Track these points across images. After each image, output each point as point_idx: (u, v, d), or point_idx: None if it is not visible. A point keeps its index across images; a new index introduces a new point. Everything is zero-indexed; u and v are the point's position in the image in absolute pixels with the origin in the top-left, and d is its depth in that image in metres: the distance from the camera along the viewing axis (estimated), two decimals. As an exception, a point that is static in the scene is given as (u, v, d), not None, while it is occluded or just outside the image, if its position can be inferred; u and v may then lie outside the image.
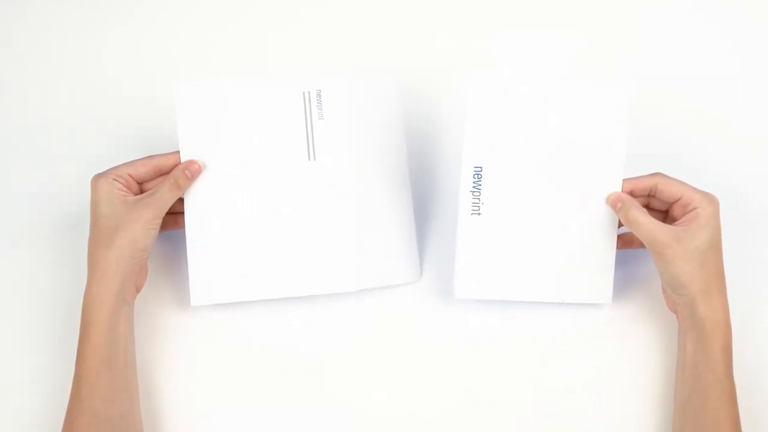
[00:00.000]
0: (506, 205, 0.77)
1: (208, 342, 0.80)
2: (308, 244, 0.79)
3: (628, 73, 0.92)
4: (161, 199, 0.75)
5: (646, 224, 0.74)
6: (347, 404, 0.79)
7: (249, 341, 0.80)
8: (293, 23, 0.94)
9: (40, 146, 0.89)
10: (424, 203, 0.86)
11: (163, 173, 0.78)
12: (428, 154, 0.88)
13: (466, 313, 0.81)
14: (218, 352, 0.80)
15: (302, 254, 0.79)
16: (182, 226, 0.79)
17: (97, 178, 0.76)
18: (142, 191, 0.78)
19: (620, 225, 0.77)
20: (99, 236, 0.74)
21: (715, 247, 0.74)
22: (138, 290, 0.78)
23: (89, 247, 0.75)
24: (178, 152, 0.78)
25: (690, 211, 0.74)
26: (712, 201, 0.74)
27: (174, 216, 0.80)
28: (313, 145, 0.79)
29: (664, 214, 0.78)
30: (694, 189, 0.75)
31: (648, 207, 0.78)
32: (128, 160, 0.78)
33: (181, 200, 0.78)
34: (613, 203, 0.77)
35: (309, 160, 0.79)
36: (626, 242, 0.80)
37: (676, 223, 0.75)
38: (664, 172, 0.77)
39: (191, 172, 0.77)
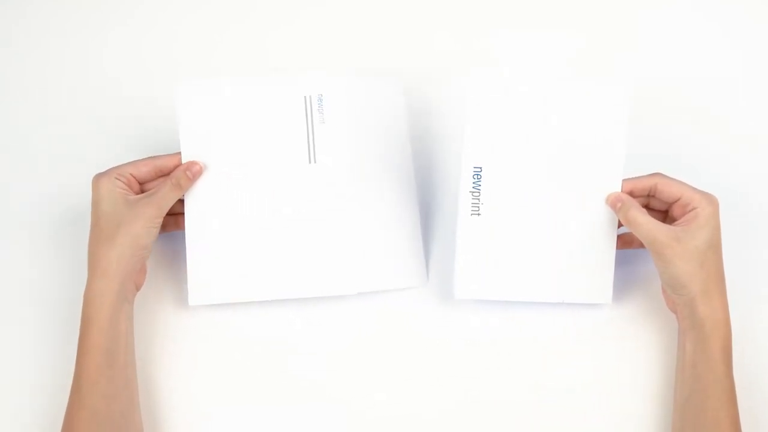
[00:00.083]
0: (506, 206, 0.77)
1: (208, 341, 0.80)
2: (307, 246, 0.79)
3: (628, 73, 0.92)
4: (163, 199, 0.76)
5: (646, 224, 0.74)
6: (347, 404, 0.79)
7: (249, 341, 0.80)
8: (293, 23, 0.94)
9: (40, 146, 0.89)
10: (423, 203, 0.86)
11: (164, 174, 0.78)
12: (428, 154, 0.88)
13: (466, 313, 0.81)
14: (218, 351, 0.80)
15: (301, 256, 0.79)
16: (182, 227, 0.79)
17: (99, 177, 0.76)
18: (142, 191, 0.78)
19: (620, 225, 0.77)
20: (100, 234, 0.74)
21: (714, 247, 0.74)
22: (138, 288, 0.78)
23: (90, 245, 0.75)
24: (180, 154, 0.78)
25: (689, 211, 0.74)
26: (712, 201, 0.74)
27: (174, 217, 0.80)
28: (314, 148, 0.79)
29: (664, 214, 0.78)
30: (694, 189, 0.75)
31: (648, 207, 0.78)
32: (129, 160, 0.78)
33: (181, 201, 0.79)
34: (613, 203, 0.77)
35: (310, 162, 0.79)
36: (626, 242, 0.80)
37: (676, 223, 0.75)
38: (663, 172, 0.77)
39: (192, 173, 0.77)
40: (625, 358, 0.80)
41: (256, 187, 0.79)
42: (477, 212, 0.77)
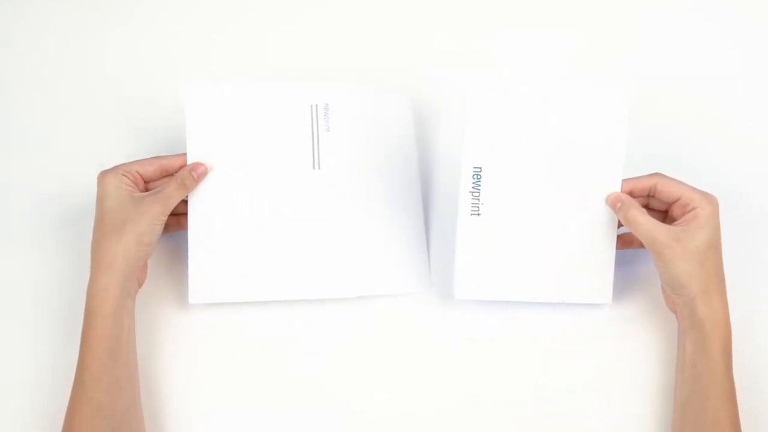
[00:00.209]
0: (506, 206, 0.77)
1: (208, 341, 0.80)
2: (308, 248, 0.80)
3: (628, 73, 0.92)
4: (168, 197, 0.76)
5: (646, 224, 0.74)
6: (347, 404, 0.79)
7: (249, 340, 0.80)
8: (293, 23, 0.94)
9: (40, 146, 0.88)
10: (423, 203, 0.86)
11: (169, 174, 0.79)
12: (428, 155, 0.88)
13: (466, 313, 0.81)
14: (218, 351, 0.80)
15: (302, 258, 0.80)
16: (184, 227, 0.80)
17: (105, 173, 0.76)
18: (146, 190, 0.78)
19: (620, 225, 0.77)
20: (105, 229, 0.75)
21: (714, 247, 0.74)
22: (140, 285, 0.78)
23: (94, 240, 0.75)
24: (185, 154, 0.79)
25: (689, 211, 0.74)
26: (712, 201, 0.74)
27: (176, 217, 0.80)
28: (319, 155, 0.80)
29: (664, 214, 0.78)
30: (694, 189, 0.75)
31: (647, 207, 0.78)
32: (128, 160, 0.78)
33: (183, 202, 0.79)
34: (613, 203, 0.77)
35: (314, 168, 0.80)
36: (626, 242, 0.80)
37: (676, 223, 0.75)
38: (663, 172, 0.77)
39: (197, 173, 0.78)
40: (625, 358, 0.80)
41: (260, 189, 0.79)
42: (477, 212, 0.77)
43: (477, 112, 0.77)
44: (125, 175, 0.76)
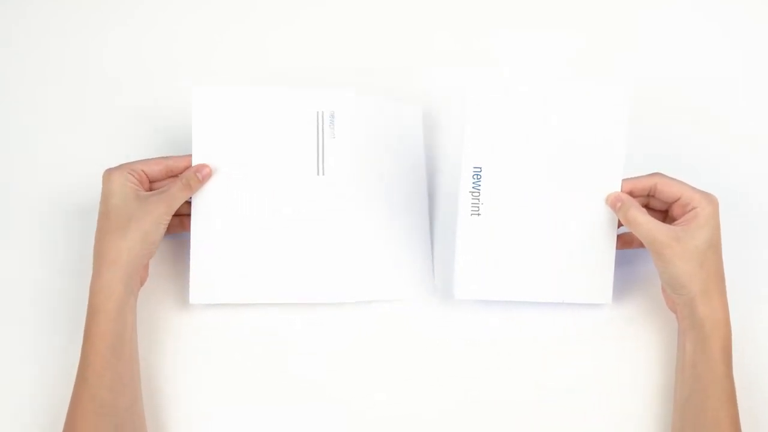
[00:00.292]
0: (506, 206, 0.77)
1: (209, 341, 0.80)
2: (309, 252, 0.80)
3: (628, 73, 0.92)
4: (173, 197, 0.77)
5: (646, 224, 0.74)
6: (347, 404, 0.79)
7: (249, 341, 0.80)
8: (293, 23, 0.94)
9: (39, 146, 0.88)
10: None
11: (174, 174, 0.79)
12: (428, 155, 0.88)
13: (466, 313, 0.81)
14: (219, 351, 0.80)
15: (302, 262, 0.80)
16: (187, 228, 0.80)
17: (110, 171, 0.77)
18: (150, 190, 0.79)
19: (620, 225, 0.77)
20: (110, 226, 0.75)
21: (714, 246, 0.74)
22: (141, 284, 0.78)
23: (98, 237, 0.75)
24: (190, 156, 0.79)
25: (689, 210, 0.74)
26: (712, 201, 0.74)
27: (179, 218, 0.80)
28: (323, 162, 0.80)
29: (664, 214, 0.78)
30: (694, 189, 0.75)
31: (647, 207, 0.78)
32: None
33: (186, 203, 0.79)
34: (613, 203, 0.77)
35: (318, 174, 0.80)
36: (626, 242, 0.80)
37: (676, 222, 0.75)
38: (663, 172, 0.77)
39: (202, 175, 0.78)
40: (625, 358, 0.80)
41: (263, 192, 0.80)
42: (477, 212, 0.77)
43: (477, 112, 0.77)
44: (131, 174, 0.77)
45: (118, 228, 0.75)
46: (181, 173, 0.79)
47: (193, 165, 0.79)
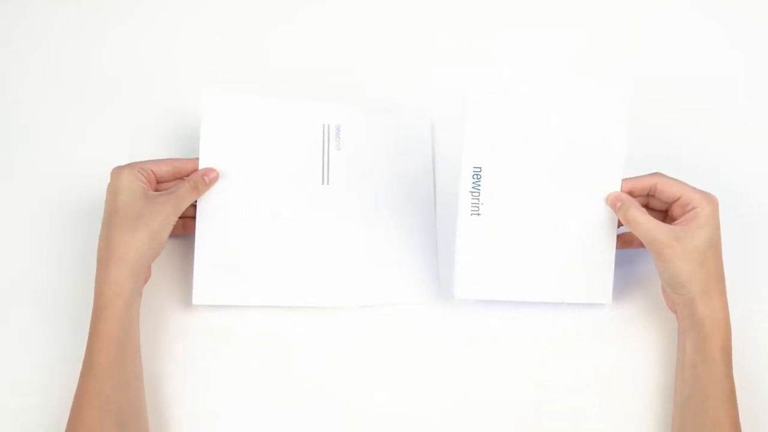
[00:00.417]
0: (506, 206, 0.77)
1: (211, 342, 0.80)
2: (311, 258, 0.81)
3: (628, 73, 0.92)
4: (181, 198, 0.77)
5: (646, 224, 0.74)
6: (348, 404, 0.79)
7: (251, 341, 0.80)
8: (293, 23, 0.94)
9: (39, 146, 0.88)
10: (424, 203, 0.86)
11: (181, 176, 0.80)
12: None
13: (466, 313, 0.81)
14: (220, 352, 0.80)
15: (304, 267, 0.80)
16: (190, 231, 0.81)
17: (120, 169, 0.77)
18: (157, 190, 0.79)
19: (620, 225, 0.77)
20: (118, 223, 0.75)
21: (714, 246, 0.74)
22: (145, 282, 0.78)
23: (104, 234, 0.75)
24: (197, 159, 0.80)
25: (689, 210, 0.74)
26: (712, 200, 0.74)
27: (183, 220, 0.81)
28: (328, 172, 0.82)
29: (664, 213, 0.78)
30: (694, 188, 0.75)
31: (647, 207, 0.78)
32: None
33: (191, 206, 0.79)
34: (613, 203, 0.77)
35: (323, 184, 0.81)
36: (626, 242, 0.80)
37: (676, 222, 0.75)
38: (663, 172, 0.77)
39: (209, 179, 0.79)
40: (625, 358, 0.80)
41: (268, 197, 0.81)
42: (477, 212, 0.77)
43: (477, 112, 0.77)
44: (141, 173, 0.77)
45: (127, 225, 0.75)
46: (188, 175, 0.79)
47: (200, 168, 0.79)
